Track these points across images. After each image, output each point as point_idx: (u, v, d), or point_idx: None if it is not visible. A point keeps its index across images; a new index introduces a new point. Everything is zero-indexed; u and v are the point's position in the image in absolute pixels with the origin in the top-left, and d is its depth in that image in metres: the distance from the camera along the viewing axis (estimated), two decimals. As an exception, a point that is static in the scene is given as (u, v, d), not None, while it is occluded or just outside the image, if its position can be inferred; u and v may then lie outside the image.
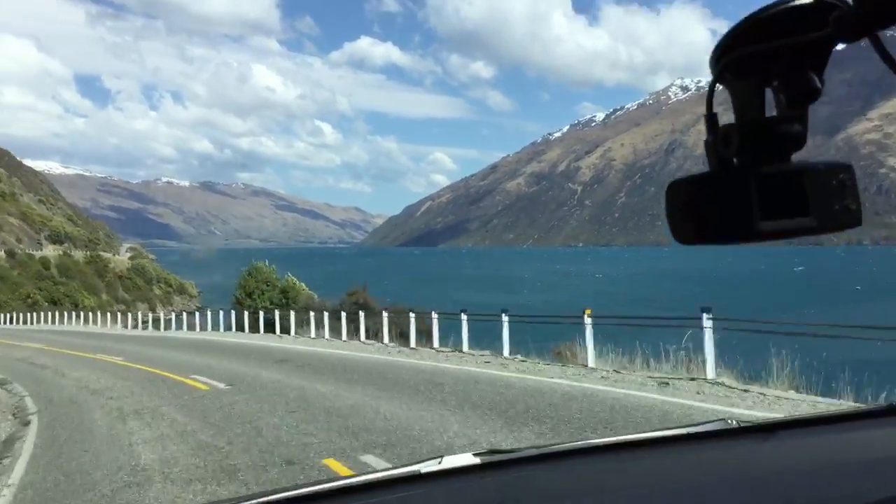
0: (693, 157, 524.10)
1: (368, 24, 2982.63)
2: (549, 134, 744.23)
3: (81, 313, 48.04)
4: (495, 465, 1.47)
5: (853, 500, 1.08)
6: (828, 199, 0.64)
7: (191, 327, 35.18)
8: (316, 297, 33.83)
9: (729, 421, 1.63)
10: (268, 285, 33.71)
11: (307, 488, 1.37)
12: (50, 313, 48.53)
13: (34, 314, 49.96)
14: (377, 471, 1.47)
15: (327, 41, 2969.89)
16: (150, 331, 37.73)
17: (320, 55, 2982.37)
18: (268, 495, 1.36)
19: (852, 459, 1.38)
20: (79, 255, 78.06)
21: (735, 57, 0.63)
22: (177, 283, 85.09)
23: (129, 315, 42.56)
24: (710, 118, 0.65)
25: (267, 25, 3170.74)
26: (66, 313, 47.91)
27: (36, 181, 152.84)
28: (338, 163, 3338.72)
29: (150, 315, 44.09)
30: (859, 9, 0.57)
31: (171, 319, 39.00)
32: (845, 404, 9.08)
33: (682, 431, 1.58)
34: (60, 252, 78.37)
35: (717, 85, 0.65)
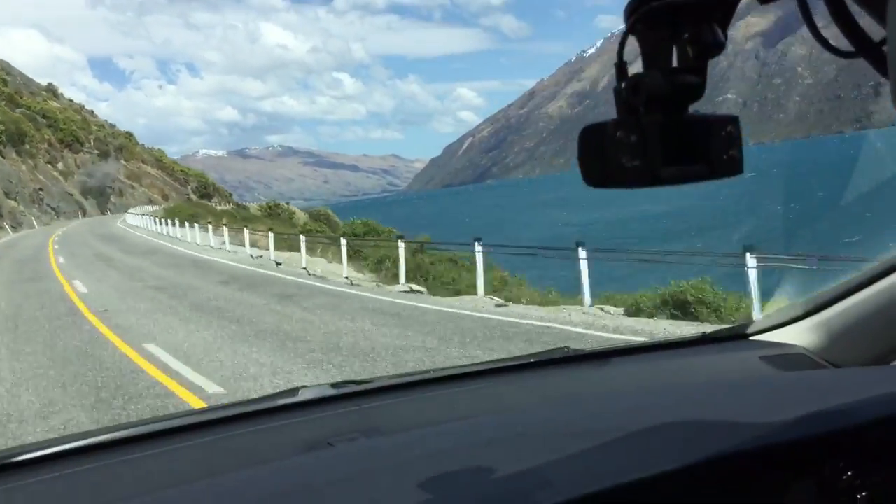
0: (743, 52, 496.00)
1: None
2: (583, 52, 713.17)
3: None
4: (352, 396, 1.50)
5: (672, 422, 1.17)
6: (717, 148, 0.69)
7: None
8: None
9: (566, 349, 1.80)
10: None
11: (158, 424, 1.37)
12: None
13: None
14: (232, 404, 1.50)
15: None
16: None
17: (325, 4, 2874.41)
18: (120, 430, 1.34)
19: (673, 384, 1.52)
20: (253, 207, 65.20)
21: (647, 9, 0.65)
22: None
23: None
24: (621, 67, 0.68)
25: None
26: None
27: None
28: (363, 113, 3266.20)
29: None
30: None
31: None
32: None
33: (526, 360, 1.71)
34: (233, 206, 65.17)
35: (629, 35, 0.67)
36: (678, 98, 0.67)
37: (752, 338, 1.76)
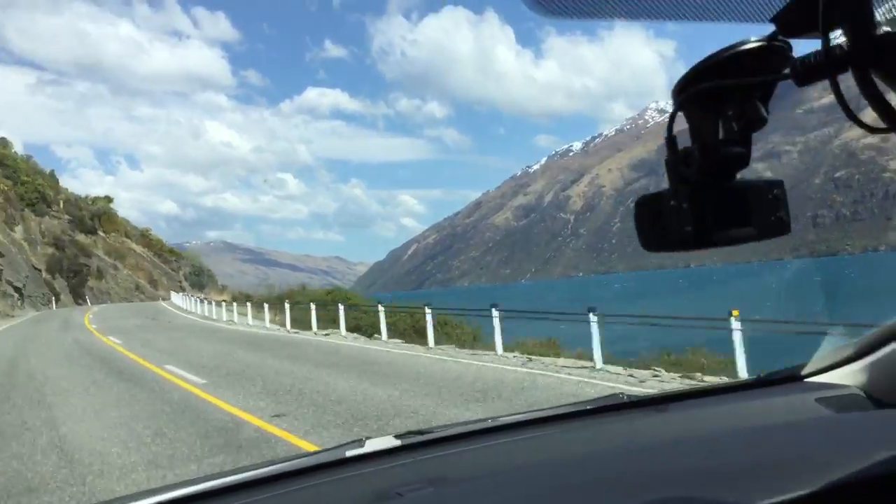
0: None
1: (314, 73, 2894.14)
2: (528, 167, 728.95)
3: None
4: (416, 446, 1.53)
5: (736, 467, 1.20)
6: (765, 211, 0.73)
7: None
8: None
9: (621, 395, 1.77)
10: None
11: (231, 476, 1.37)
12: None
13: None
14: (299, 456, 1.52)
15: (277, 92, 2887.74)
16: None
17: (271, 107, 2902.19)
18: (191, 485, 1.34)
19: (733, 428, 1.52)
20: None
21: (695, 91, 0.70)
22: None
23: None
24: (671, 141, 0.72)
25: (215, 81, 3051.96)
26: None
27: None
28: (305, 213, 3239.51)
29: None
30: (815, 58, 0.62)
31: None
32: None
33: (581, 407, 1.71)
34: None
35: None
36: (726, 167, 0.71)
37: (805, 380, 1.76)
